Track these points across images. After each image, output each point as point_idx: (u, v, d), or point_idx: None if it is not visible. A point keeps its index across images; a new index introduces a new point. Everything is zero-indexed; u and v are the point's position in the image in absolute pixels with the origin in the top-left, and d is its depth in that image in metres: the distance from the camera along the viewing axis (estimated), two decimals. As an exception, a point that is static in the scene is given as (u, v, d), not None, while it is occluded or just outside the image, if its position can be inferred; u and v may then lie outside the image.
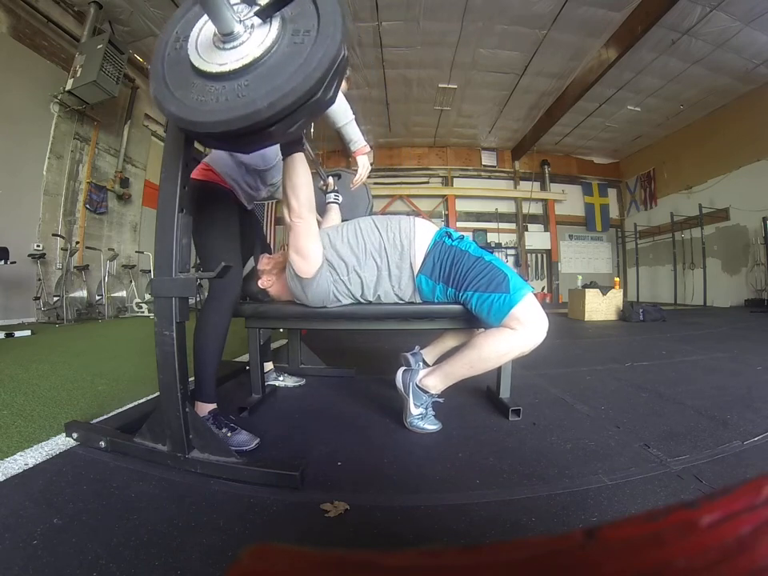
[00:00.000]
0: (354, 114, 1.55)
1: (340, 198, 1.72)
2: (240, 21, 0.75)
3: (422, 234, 1.22)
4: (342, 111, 1.50)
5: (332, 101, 0.81)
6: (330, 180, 1.73)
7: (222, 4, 0.71)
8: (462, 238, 1.25)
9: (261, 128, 0.74)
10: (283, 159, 1.13)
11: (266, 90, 0.71)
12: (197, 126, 0.75)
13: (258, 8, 0.75)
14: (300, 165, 1.10)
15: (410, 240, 1.20)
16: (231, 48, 0.75)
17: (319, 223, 1.66)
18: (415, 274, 1.20)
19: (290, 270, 1.19)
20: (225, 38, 0.75)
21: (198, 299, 4.09)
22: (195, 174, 1.26)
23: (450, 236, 1.23)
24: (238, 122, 0.72)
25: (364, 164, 1.63)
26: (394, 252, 1.20)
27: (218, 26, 0.75)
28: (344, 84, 1.38)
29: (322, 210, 1.72)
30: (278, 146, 1.25)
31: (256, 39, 0.75)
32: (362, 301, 1.25)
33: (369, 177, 1.71)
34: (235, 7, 0.76)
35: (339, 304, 1.24)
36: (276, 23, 0.76)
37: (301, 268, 1.16)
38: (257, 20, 0.76)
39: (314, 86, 0.71)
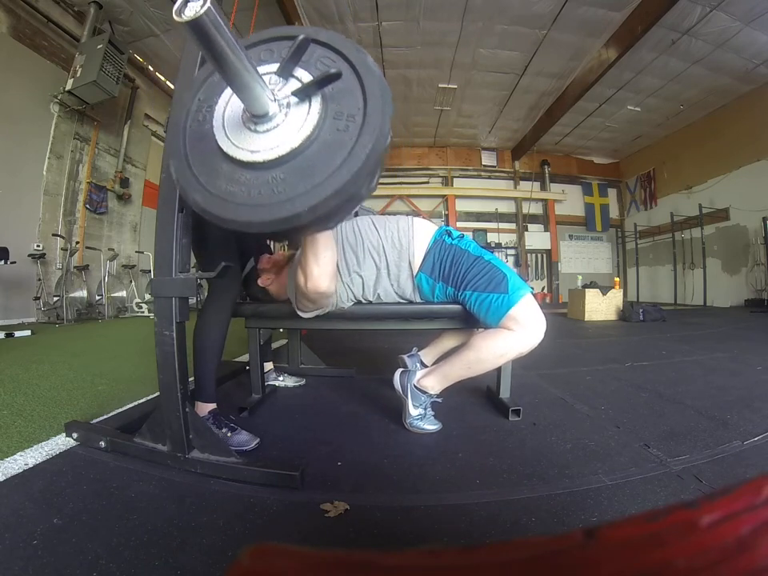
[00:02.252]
0: None
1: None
2: (275, 99, 0.65)
3: (421, 232, 1.22)
4: None
5: (372, 191, 0.71)
6: None
7: (255, 84, 0.60)
8: (462, 236, 1.25)
9: (299, 229, 0.67)
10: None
11: (305, 189, 0.61)
12: (227, 224, 0.66)
13: (298, 87, 0.64)
14: (330, 240, 0.97)
15: (409, 239, 1.20)
16: (265, 131, 0.65)
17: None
18: (414, 272, 1.20)
19: (298, 300, 1.14)
20: (257, 118, 0.65)
21: (197, 299, 4.09)
22: None
23: (450, 235, 1.23)
24: (275, 225, 0.63)
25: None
26: (392, 251, 1.20)
27: (250, 107, 0.64)
28: None
29: None
30: None
31: (293, 123, 0.64)
32: (362, 300, 1.25)
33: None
34: (267, 78, 0.65)
35: (342, 307, 1.24)
36: (316, 103, 0.65)
37: (309, 310, 1.14)
38: (294, 98, 0.66)
39: (360, 185, 0.63)
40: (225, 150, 0.67)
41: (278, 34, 0.75)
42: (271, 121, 0.65)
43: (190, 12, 0.49)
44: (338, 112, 0.65)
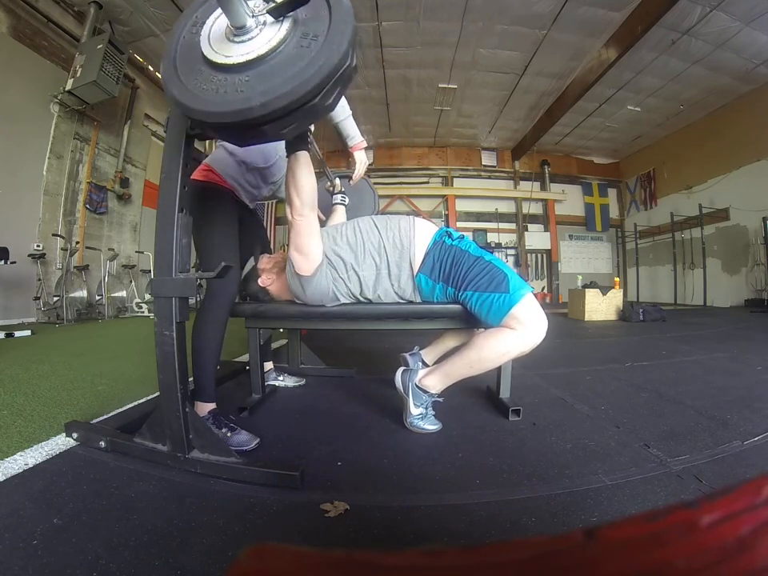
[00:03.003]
0: (350, 110, 1.56)
1: (347, 200, 1.71)
2: (253, 15, 0.75)
3: (422, 233, 1.22)
4: (339, 107, 1.50)
5: (331, 107, 0.81)
6: (337, 181, 1.72)
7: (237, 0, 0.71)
8: (462, 237, 1.25)
9: (253, 125, 0.75)
10: (287, 156, 1.12)
11: (262, 89, 0.71)
12: (192, 113, 0.77)
13: (271, 5, 0.74)
14: (304, 163, 1.10)
15: (410, 239, 1.20)
16: (240, 42, 0.75)
17: (322, 222, 1.66)
18: (415, 273, 1.20)
19: (290, 267, 1.19)
20: (236, 30, 0.75)
21: (197, 299, 4.09)
22: (195, 175, 1.26)
23: (450, 236, 1.23)
24: (230, 117, 0.73)
25: (361, 159, 1.63)
26: (393, 251, 1.20)
27: (230, 19, 0.75)
28: None
29: (328, 210, 1.72)
30: (278, 143, 1.26)
31: (265, 37, 0.75)
32: (361, 299, 1.25)
33: (369, 177, 1.71)
34: (250, 2, 0.75)
35: (338, 303, 1.24)
36: (287, 23, 0.75)
37: (301, 266, 1.16)
38: (270, 17, 0.75)
39: (311, 91, 0.71)
40: (205, 53, 0.77)
41: None
42: (247, 33, 0.75)
43: None
44: (305, 33, 0.75)
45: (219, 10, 0.80)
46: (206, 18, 0.83)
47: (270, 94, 0.70)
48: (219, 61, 0.75)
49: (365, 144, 1.62)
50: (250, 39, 0.75)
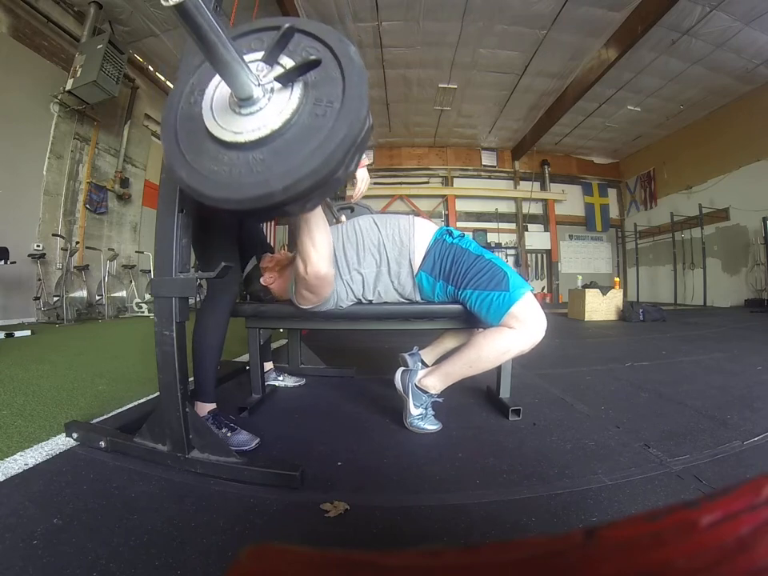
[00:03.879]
0: None
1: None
2: (259, 84, 0.67)
3: (422, 231, 1.23)
4: None
5: (352, 173, 0.75)
6: (343, 218, 1.69)
7: (239, 69, 0.63)
8: (463, 236, 1.25)
9: (274, 207, 0.69)
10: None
11: (282, 170, 0.64)
12: (205, 199, 0.70)
13: (280, 73, 0.67)
14: (320, 218, 1.01)
15: (410, 237, 1.20)
16: (248, 114, 0.68)
17: None
18: (415, 271, 1.20)
19: (295, 295, 1.17)
20: (242, 102, 0.68)
21: (197, 299, 4.09)
22: None
23: (450, 234, 1.23)
24: (249, 204, 0.66)
25: (363, 178, 1.60)
26: (393, 248, 1.20)
27: (235, 91, 0.67)
28: None
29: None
30: None
31: (275, 107, 0.67)
32: (362, 300, 1.26)
33: (369, 177, 1.70)
34: (253, 66, 0.68)
35: (342, 306, 1.24)
36: (298, 89, 0.68)
37: (310, 303, 1.16)
38: (277, 83, 0.68)
39: (334, 167, 0.65)
40: (210, 130, 0.70)
41: (268, 24, 0.78)
42: (255, 104, 0.67)
43: None
44: (318, 98, 0.68)
45: (217, 78, 0.73)
46: (204, 86, 0.75)
47: (291, 175, 0.63)
48: (228, 139, 0.68)
49: (368, 161, 1.59)
50: (259, 110, 0.68)
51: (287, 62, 0.69)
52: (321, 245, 1.02)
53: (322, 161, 0.63)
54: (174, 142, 0.73)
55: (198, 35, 0.57)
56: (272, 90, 0.68)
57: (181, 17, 0.54)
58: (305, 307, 1.18)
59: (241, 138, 0.67)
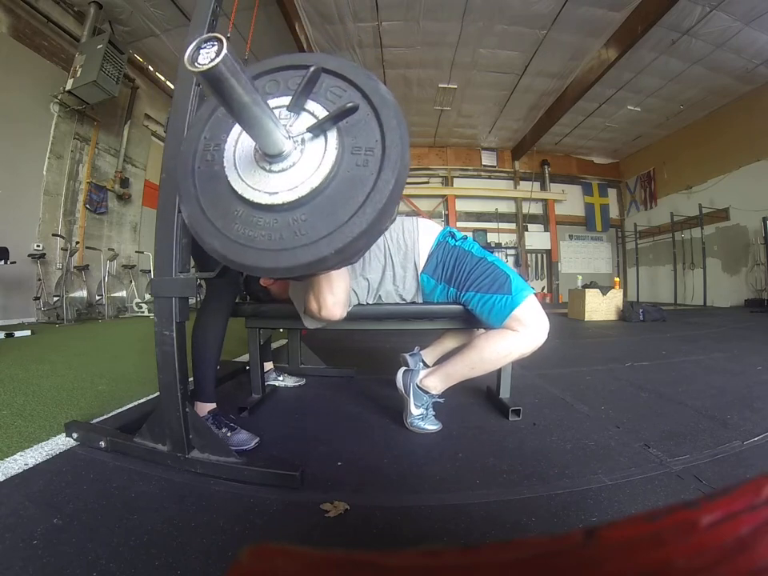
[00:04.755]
0: None
1: None
2: (289, 137, 0.61)
3: (426, 233, 1.22)
4: None
5: (395, 219, 0.71)
6: None
7: (271, 125, 0.56)
8: (466, 238, 1.25)
9: (324, 270, 0.64)
10: None
11: (329, 230, 0.58)
12: (250, 270, 0.64)
13: (313, 123, 0.61)
14: (345, 273, 0.99)
15: (414, 239, 1.20)
16: (281, 171, 0.61)
17: None
18: (419, 273, 1.20)
19: (306, 314, 1.16)
20: (272, 158, 0.61)
21: (197, 299, 4.09)
22: None
23: (453, 236, 1.23)
24: (300, 270, 0.60)
25: None
26: (398, 252, 1.20)
27: (264, 148, 0.60)
28: None
29: None
30: None
31: (310, 161, 0.61)
32: (363, 303, 1.26)
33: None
34: (277, 113, 0.61)
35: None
36: (332, 138, 0.61)
37: (316, 326, 1.19)
38: (308, 134, 0.62)
39: (385, 220, 0.60)
40: (240, 192, 0.63)
41: (284, 64, 0.71)
42: (287, 159, 0.61)
43: (205, 60, 0.45)
44: (355, 146, 0.61)
45: (237, 129, 0.66)
46: (220, 140, 0.67)
47: (343, 237, 0.57)
48: (263, 201, 0.61)
49: None
50: (292, 166, 0.61)
51: (314, 108, 0.63)
52: (339, 290, 0.98)
53: (374, 217, 0.58)
54: (198, 209, 0.66)
55: (226, 98, 0.50)
56: (303, 141, 0.62)
57: (208, 83, 0.47)
58: (310, 326, 1.19)
59: (278, 200, 0.60)
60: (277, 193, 0.61)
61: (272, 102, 0.64)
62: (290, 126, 0.62)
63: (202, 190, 0.67)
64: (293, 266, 0.60)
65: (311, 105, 0.64)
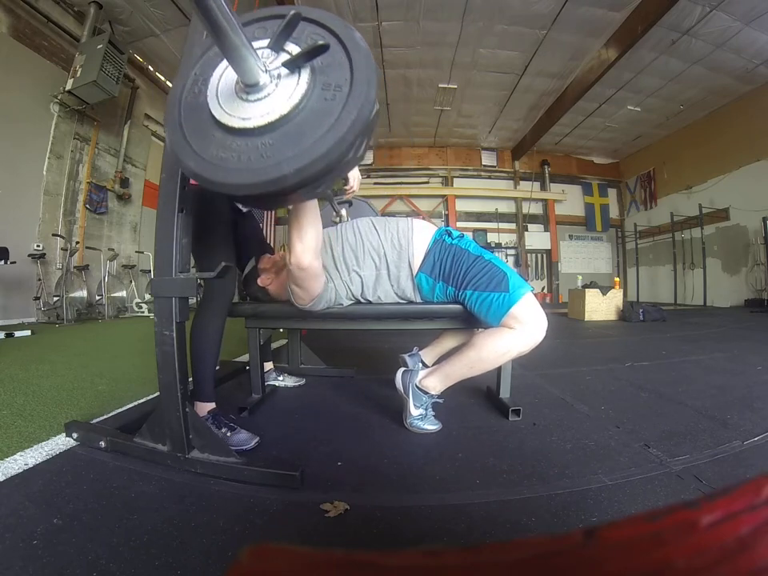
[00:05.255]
0: None
1: None
2: (266, 70, 0.68)
3: (421, 233, 1.22)
4: None
5: (361, 159, 0.75)
6: (344, 212, 1.68)
7: (247, 54, 0.64)
8: (462, 236, 1.25)
9: (286, 192, 0.69)
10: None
11: (293, 153, 0.64)
12: (216, 186, 0.70)
13: (287, 59, 0.68)
14: (311, 209, 1.00)
15: (408, 239, 1.20)
16: (256, 100, 0.68)
17: None
18: (414, 272, 1.20)
19: (290, 294, 1.17)
20: (249, 88, 0.68)
21: (197, 299, 4.10)
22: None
23: (450, 234, 1.23)
24: (261, 188, 0.66)
25: (355, 176, 1.60)
26: (392, 251, 1.20)
27: (242, 77, 0.67)
28: None
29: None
30: None
31: (283, 92, 0.68)
32: (361, 300, 1.26)
33: (369, 177, 1.71)
34: (260, 52, 0.69)
35: (340, 306, 1.24)
36: (305, 74, 0.68)
37: (302, 300, 1.15)
38: (284, 69, 0.69)
39: (345, 150, 0.65)
40: (218, 118, 0.70)
41: (272, 13, 0.78)
42: (262, 90, 0.68)
43: None
44: (325, 83, 0.68)
45: (223, 65, 0.73)
46: (207, 75, 0.75)
47: (303, 158, 0.64)
48: (236, 125, 0.68)
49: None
50: (266, 96, 0.68)
51: (293, 49, 0.69)
52: (307, 237, 1.01)
53: (333, 143, 0.64)
54: (181, 134, 0.73)
55: (209, 19, 0.58)
56: (279, 76, 0.69)
57: (196, 5, 0.55)
58: (301, 306, 1.17)
59: (249, 124, 0.67)
60: (250, 119, 0.68)
61: (258, 44, 0.70)
62: (270, 62, 0.69)
63: (186, 118, 0.74)
64: (255, 183, 0.66)
65: (291, 47, 0.70)
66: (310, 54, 0.66)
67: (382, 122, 8.21)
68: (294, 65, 0.68)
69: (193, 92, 0.75)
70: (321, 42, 0.64)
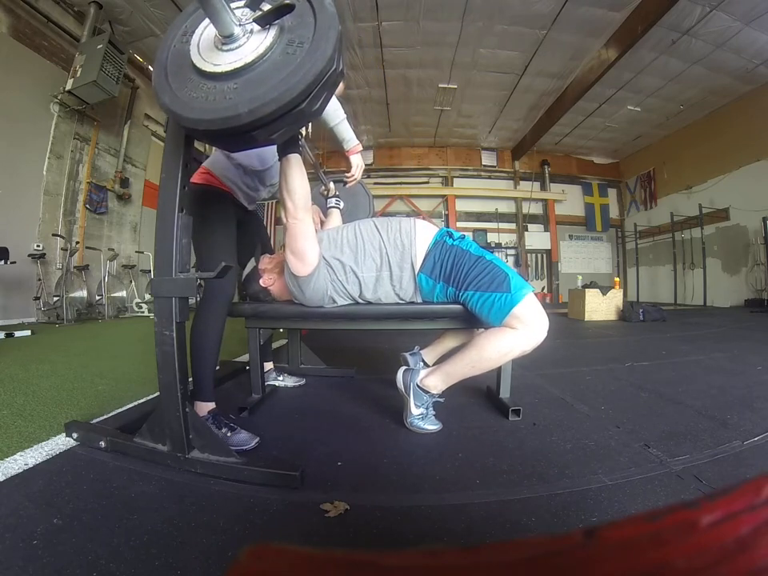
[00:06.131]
0: (345, 113, 1.55)
1: (341, 204, 1.71)
2: (239, 24, 0.76)
3: (423, 233, 1.22)
4: (332, 111, 1.50)
5: (318, 112, 0.82)
6: (332, 185, 1.71)
7: (221, 7, 0.72)
8: (463, 237, 1.25)
9: (242, 131, 0.76)
10: (279, 160, 1.13)
11: (249, 96, 0.72)
12: (182, 120, 0.78)
13: (258, 14, 0.76)
14: (296, 166, 1.10)
15: (411, 239, 1.20)
16: (228, 50, 0.77)
17: (322, 223, 1.65)
18: (416, 273, 1.20)
19: (287, 268, 1.19)
20: (224, 39, 0.77)
21: (197, 299, 4.10)
22: (194, 178, 1.26)
23: (451, 236, 1.23)
24: (219, 123, 0.74)
25: (357, 163, 1.62)
26: (394, 252, 1.20)
27: (218, 28, 0.76)
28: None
29: (323, 213, 1.72)
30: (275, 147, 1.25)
31: (252, 45, 0.76)
32: (360, 301, 1.26)
33: (369, 177, 1.72)
34: (237, 11, 0.77)
35: (335, 305, 1.24)
36: (273, 31, 0.77)
37: (296, 267, 1.16)
38: (257, 26, 0.77)
39: (297, 97, 0.72)
40: (194, 62, 0.79)
41: None
42: (235, 42, 0.76)
43: None
44: (290, 40, 0.76)
45: (206, 21, 0.81)
46: (195, 28, 0.84)
47: (257, 100, 0.71)
48: (208, 69, 0.77)
49: (360, 147, 1.61)
50: (238, 47, 0.76)
51: (267, 8, 0.76)
52: (295, 193, 1.10)
53: (285, 89, 0.71)
54: (163, 75, 0.82)
55: None
56: (251, 31, 0.77)
57: None
58: (300, 276, 1.17)
59: (218, 69, 0.76)
60: (220, 65, 0.77)
61: (237, 3, 0.80)
62: (246, 19, 0.77)
63: (170, 62, 0.84)
64: (214, 119, 0.74)
65: (266, 6, 0.77)
66: (278, 12, 0.74)
67: (382, 121, 8.21)
68: (264, 20, 0.76)
69: (181, 41, 0.85)
70: (287, 2, 0.72)
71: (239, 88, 0.74)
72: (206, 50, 0.79)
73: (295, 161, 1.10)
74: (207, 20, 0.81)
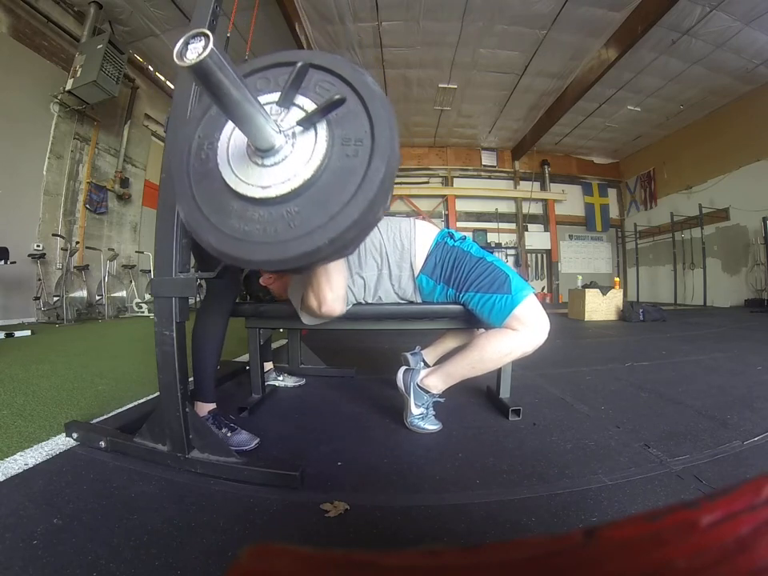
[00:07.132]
0: None
1: None
2: (280, 131, 0.62)
3: (423, 234, 1.22)
4: None
5: (388, 210, 0.69)
6: None
7: (262, 120, 0.58)
8: (464, 239, 1.25)
9: (318, 262, 0.65)
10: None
11: (322, 221, 0.59)
12: (246, 264, 0.65)
13: (302, 116, 0.62)
14: (344, 264, 1.00)
15: (411, 240, 1.20)
16: (273, 164, 0.63)
17: None
18: (416, 273, 1.20)
19: (298, 300, 1.15)
20: (264, 152, 0.63)
21: (197, 299, 4.10)
22: None
23: (452, 237, 1.23)
24: (296, 262, 0.61)
25: None
26: (394, 251, 1.20)
27: (256, 142, 0.62)
28: None
29: None
30: None
31: (302, 154, 0.62)
32: (362, 302, 1.26)
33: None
34: (268, 109, 0.62)
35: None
36: (322, 130, 0.63)
37: (315, 323, 1.17)
38: (298, 127, 0.64)
39: (377, 209, 0.61)
40: (233, 187, 0.64)
41: (273, 62, 0.73)
42: (278, 153, 0.62)
43: (192, 55, 0.47)
44: (344, 137, 0.63)
45: (229, 126, 0.67)
46: (213, 139, 0.69)
47: (335, 227, 0.59)
48: (256, 195, 0.62)
49: None
50: (284, 159, 0.62)
51: (304, 102, 0.65)
52: (337, 286, 0.99)
53: (366, 206, 0.59)
54: (194, 206, 0.67)
55: (214, 91, 0.51)
56: (294, 135, 0.63)
57: (197, 77, 0.49)
58: (308, 322, 1.18)
59: (271, 193, 0.62)
60: (270, 186, 0.62)
61: (263, 99, 0.65)
62: (281, 120, 0.63)
63: (198, 188, 0.68)
64: (287, 258, 0.61)
65: (301, 100, 0.65)
66: (327, 109, 0.61)
67: (382, 122, 8.20)
68: (309, 122, 0.62)
69: (200, 158, 0.70)
70: (338, 96, 0.59)
71: (303, 211, 0.61)
72: (240, 167, 0.64)
73: (342, 261, 0.97)
74: (230, 126, 0.67)
